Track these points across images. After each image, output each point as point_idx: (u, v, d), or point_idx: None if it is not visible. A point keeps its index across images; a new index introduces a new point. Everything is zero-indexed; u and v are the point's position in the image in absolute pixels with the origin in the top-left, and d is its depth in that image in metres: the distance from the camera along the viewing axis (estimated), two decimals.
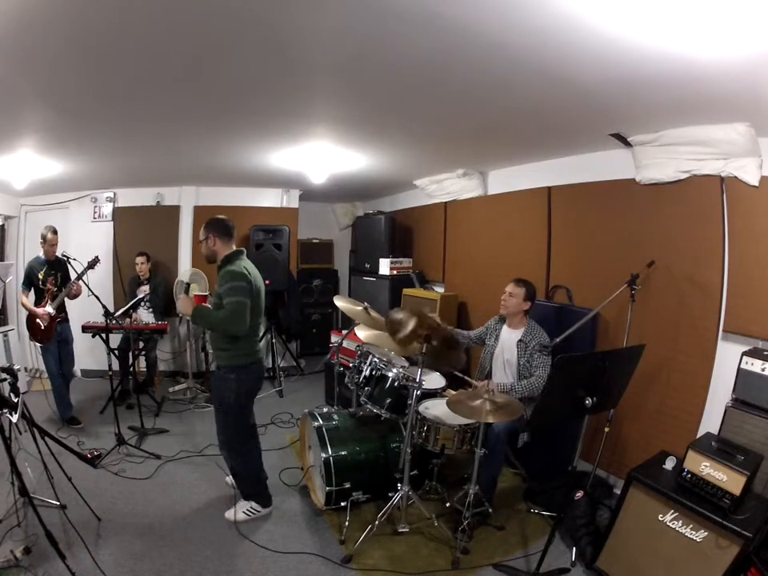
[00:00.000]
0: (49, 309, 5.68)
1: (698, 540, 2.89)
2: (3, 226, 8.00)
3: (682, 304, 4.06)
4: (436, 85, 3.30)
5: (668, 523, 3.04)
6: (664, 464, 3.32)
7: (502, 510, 4.22)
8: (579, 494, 3.87)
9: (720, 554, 2.78)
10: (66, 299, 5.94)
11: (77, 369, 8.17)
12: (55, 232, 6.03)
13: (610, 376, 3.11)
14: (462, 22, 2.34)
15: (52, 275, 5.87)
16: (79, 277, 5.71)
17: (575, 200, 5.07)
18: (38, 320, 5.68)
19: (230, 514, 4.20)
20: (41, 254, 6.04)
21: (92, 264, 5.73)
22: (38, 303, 5.80)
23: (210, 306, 4.08)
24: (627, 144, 4.24)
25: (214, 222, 4.09)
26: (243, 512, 4.21)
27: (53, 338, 5.85)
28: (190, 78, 3.27)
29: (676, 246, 4.12)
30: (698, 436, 3.62)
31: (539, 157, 5.43)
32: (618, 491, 3.91)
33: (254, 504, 4.25)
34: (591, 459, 4.32)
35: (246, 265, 3.99)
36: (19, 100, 3.56)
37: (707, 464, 2.96)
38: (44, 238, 5.97)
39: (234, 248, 4.11)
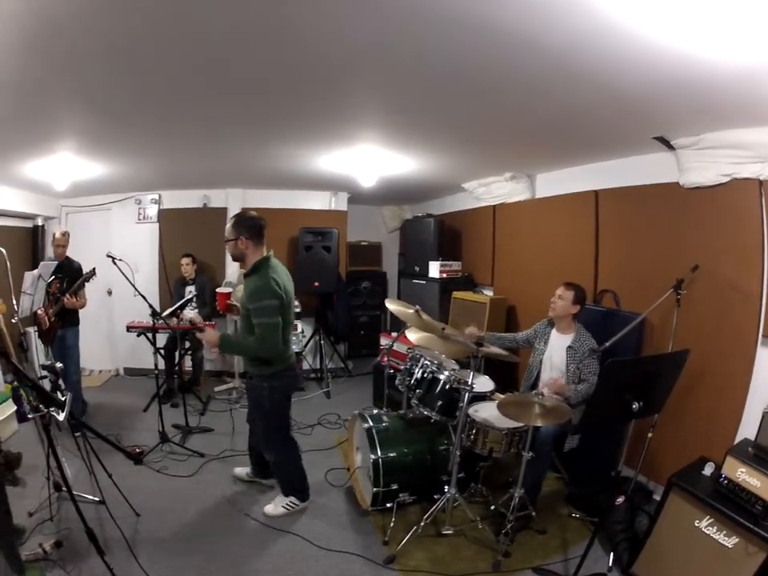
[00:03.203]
0: (46, 312, 5.69)
1: (730, 546, 2.93)
2: (43, 226, 8.19)
3: (724, 309, 4.07)
4: (480, 89, 3.36)
5: (703, 529, 3.07)
6: (703, 470, 3.35)
7: (544, 514, 4.25)
8: (620, 499, 3.90)
9: (748, 560, 2.81)
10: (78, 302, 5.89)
11: (119, 367, 8.53)
12: (64, 233, 6.02)
13: (656, 381, 3.17)
14: (509, 28, 2.41)
15: (57, 278, 5.78)
16: (74, 290, 5.69)
17: (622, 203, 5.11)
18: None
19: (269, 509, 4.38)
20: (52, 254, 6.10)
21: (88, 277, 5.70)
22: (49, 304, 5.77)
23: (237, 305, 4.20)
24: (671, 147, 4.28)
25: (245, 222, 3.98)
26: (282, 507, 4.37)
27: (51, 341, 5.80)
28: (238, 84, 3.39)
29: (719, 250, 4.13)
30: (736, 442, 3.65)
31: (586, 160, 5.48)
32: (657, 497, 3.95)
33: (293, 499, 4.41)
34: (632, 464, 4.34)
35: (275, 274, 3.90)
36: (56, 102, 3.65)
37: (743, 470, 3.00)
38: (52, 237, 6.05)
39: (265, 252, 4.02)
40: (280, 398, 4.22)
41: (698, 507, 3.15)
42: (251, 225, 3.97)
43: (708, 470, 3.34)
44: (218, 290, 4.47)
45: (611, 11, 2.21)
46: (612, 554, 3.67)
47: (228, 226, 4.01)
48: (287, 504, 4.40)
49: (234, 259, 4.13)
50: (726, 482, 3.08)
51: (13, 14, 2.24)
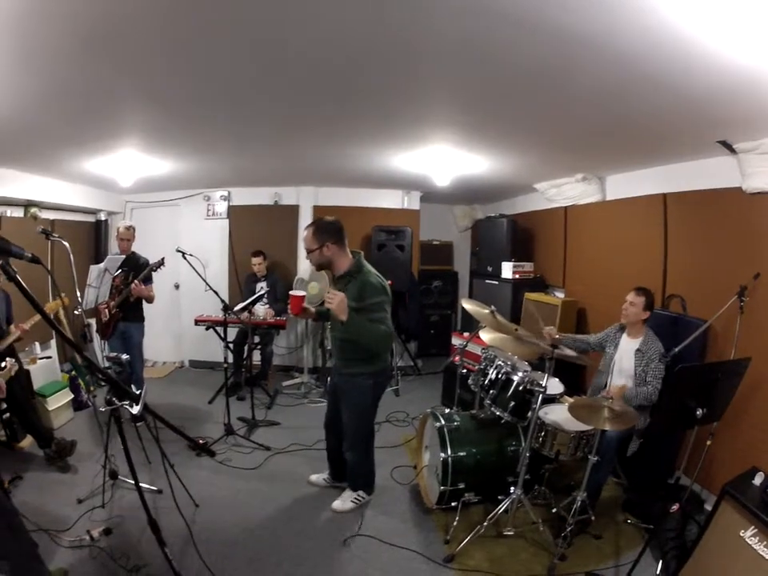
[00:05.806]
0: (108, 305, 5.86)
1: (767, 557, 2.92)
2: (107, 221, 8.52)
3: None
4: (553, 90, 3.43)
5: (747, 539, 3.06)
6: (753, 479, 3.32)
7: (601, 519, 4.27)
8: (675, 507, 3.88)
9: None
10: (145, 298, 6.02)
11: (185, 359, 8.86)
12: (128, 227, 6.11)
13: (719, 388, 3.22)
14: (582, 30, 2.48)
15: (123, 272, 5.89)
16: (142, 278, 5.79)
17: (689, 207, 5.13)
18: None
19: (337, 505, 4.52)
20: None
21: (156, 266, 5.85)
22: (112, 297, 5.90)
23: (311, 309, 4.27)
24: (733, 151, 4.28)
25: (327, 227, 4.00)
26: (351, 501, 4.55)
27: (110, 334, 5.97)
28: (315, 84, 3.45)
29: None
30: None
31: (654, 162, 5.49)
32: (708, 507, 3.97)
33: (361, 492, 4.61)
34: (689, 473, 4.32)
35: (377, 275, 4.05)
36: (122, 101, 3.76)
37: None
38: (116, 231, 6.20)
39: (350, 252, 4.08)
40: (379, 395, 4.40)
41: (745, 517, 3.14)
42: (333, 229, 4.00)
43: (758, 479, 3.32)
44: (291, 292, 4.61)
45: (681, 19, 2.31)
46: (660, 562, 3.69)
47: (307, 235, 4.01)
48: (356, 498, 4.58)
49: (320, 267, 4.17)
50: None
51: (71, 13, 2.37)
